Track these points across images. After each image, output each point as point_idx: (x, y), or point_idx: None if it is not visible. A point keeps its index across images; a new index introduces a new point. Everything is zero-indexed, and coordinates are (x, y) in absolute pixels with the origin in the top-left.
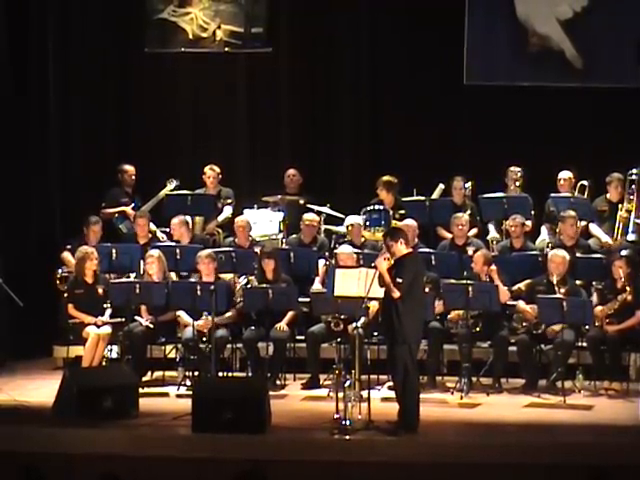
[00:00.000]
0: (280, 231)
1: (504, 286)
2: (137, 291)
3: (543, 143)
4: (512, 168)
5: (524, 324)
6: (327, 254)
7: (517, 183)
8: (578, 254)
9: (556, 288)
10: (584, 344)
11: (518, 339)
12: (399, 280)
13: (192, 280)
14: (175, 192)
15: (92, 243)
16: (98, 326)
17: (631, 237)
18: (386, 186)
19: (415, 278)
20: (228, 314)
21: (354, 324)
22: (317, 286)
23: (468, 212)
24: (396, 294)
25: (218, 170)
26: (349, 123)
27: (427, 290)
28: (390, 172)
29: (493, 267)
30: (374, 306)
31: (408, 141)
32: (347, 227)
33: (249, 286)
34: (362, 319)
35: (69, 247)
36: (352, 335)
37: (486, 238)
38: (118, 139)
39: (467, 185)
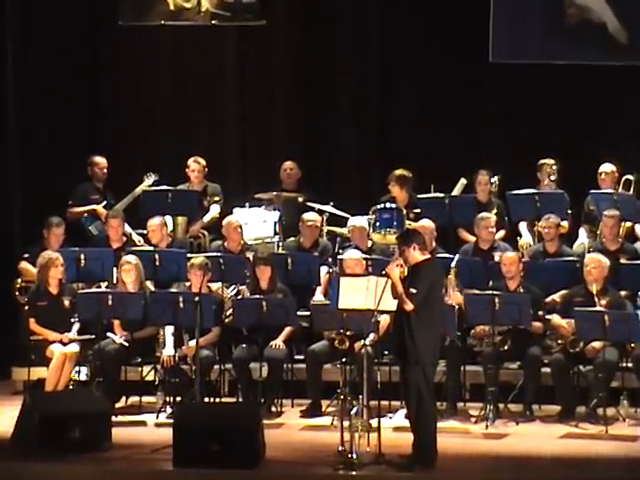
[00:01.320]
0: (276, 233)
1: (537, 314)
2: (109, 303)
3: (582, 131)
4: (546, 160)
5: (559, 341)
6: (330, 260)
7: (552, 177)
8: (622, 260)
9: (596, 299)
10: (629, 364)
11: (552, 359)
12: (413, 290)
13: (173, 290)
14: (154, 188)
15: (54, 249)
16: (64, 344)
17: None
18: (399, 181)
19: (432, 288)
20: (211, 334)
21: (362, 341)
22: (319, 297)
23: (494, 211)
24: (409, 306)
25: (204, 162)
26: (355, 108)
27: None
28: (403, 165)
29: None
30: (385, 320)
31: (424, 129)
32: (349, 230)
33: (240, 297)
34: (371, 336)
35: (27, 256)
36: (359, 354)
37: (518, 241)
38: (88, 128)
39: (493, 180)
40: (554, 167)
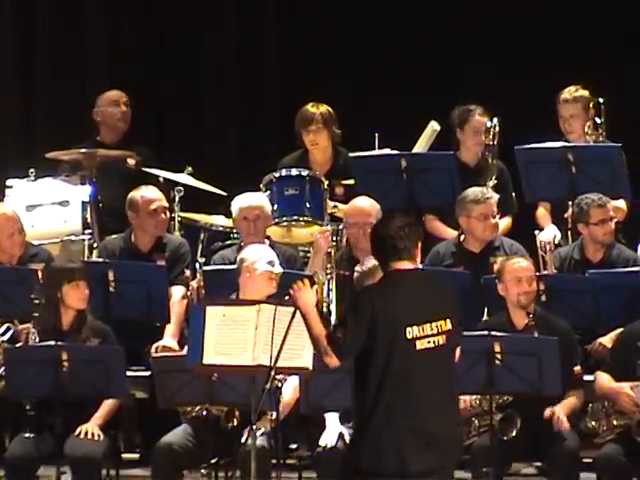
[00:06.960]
0: (86, 226)
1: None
2: None
3: None
4: (575, 89)
5: (615, 422)
6: (189, 274)
7: (597, 119)
8: None
9: None
10: None
11: (602, 455)
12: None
13: None
14: None
15: None
16: None
17: None
18: (315, 125)
19: (377, 332)
20: None
21: (248, 429)
22: (168, 342)
23: (493, 182)
24: (332, 360)
25: None
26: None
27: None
28: (321, 97)
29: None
30: (293, 388)
31: (363, 32)
32: (235, 218)
33: (19, 344)
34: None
35: None
36: (240, 452)
37: (536, 238)
38: None
39: (491, 124)
40: (601, 100)
